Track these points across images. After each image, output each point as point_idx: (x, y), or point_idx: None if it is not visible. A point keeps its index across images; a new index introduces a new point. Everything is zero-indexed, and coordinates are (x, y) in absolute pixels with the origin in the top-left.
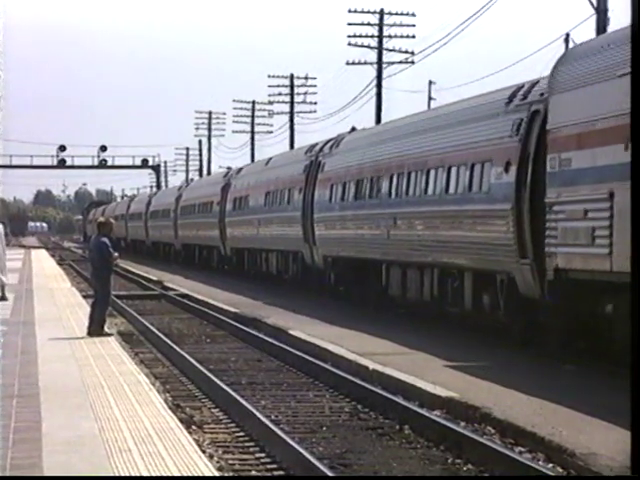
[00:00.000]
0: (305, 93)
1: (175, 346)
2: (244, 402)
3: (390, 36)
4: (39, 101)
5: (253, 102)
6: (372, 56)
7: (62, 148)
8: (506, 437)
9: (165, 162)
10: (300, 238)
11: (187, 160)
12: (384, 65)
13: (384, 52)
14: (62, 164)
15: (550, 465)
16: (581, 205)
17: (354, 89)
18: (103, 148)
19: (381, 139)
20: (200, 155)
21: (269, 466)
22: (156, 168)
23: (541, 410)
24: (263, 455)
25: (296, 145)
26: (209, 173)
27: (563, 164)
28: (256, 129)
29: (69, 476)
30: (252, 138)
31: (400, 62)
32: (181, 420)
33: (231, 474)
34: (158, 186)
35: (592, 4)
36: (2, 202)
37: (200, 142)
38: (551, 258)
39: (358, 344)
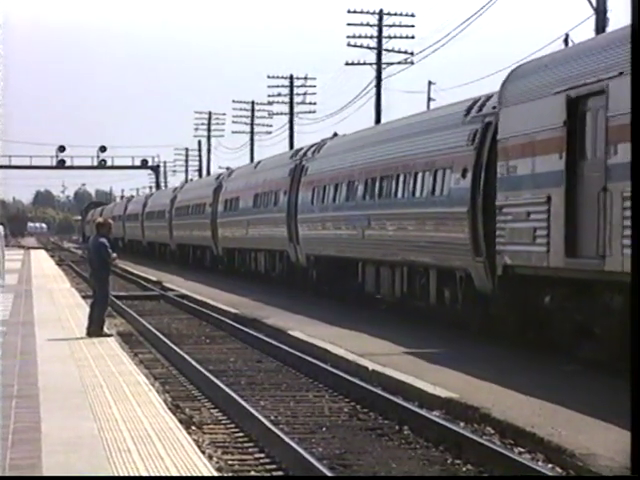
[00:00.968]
0: (304, 93)
1: (174, 346)
2: (243, 402)
3: (389, 37)
4: (39, 101)
5: (252, 102)
6: (371, 57)
7: (61, 149)
8: (506, 437)
9: (165, 162)
10: (285, 238)
11: (187, 160)
12: (383, 66)
13: (383, 53)
14: (61, 164)
15: (550, 465)
16: (524, 208)
17: (353, 89)
18: (102, 148)
19: (357, 145)
20: (199, 155)
21: (268, 466)
22: (155, 169)
23: (540, 410)
24: (262, 455)
25: (295, 145)
26: (209, 173)
27: (510, 171)
28: (255, 129)
29: (69, 476)
30: (251, 138)
31: (399, 63)
32: (180, 420)
33: (230, 474)
34: (157, 186)
35: (591, 4)
36: (1, 203)
37: (199, 142)
38: (500, 256)
39: (358, 344)
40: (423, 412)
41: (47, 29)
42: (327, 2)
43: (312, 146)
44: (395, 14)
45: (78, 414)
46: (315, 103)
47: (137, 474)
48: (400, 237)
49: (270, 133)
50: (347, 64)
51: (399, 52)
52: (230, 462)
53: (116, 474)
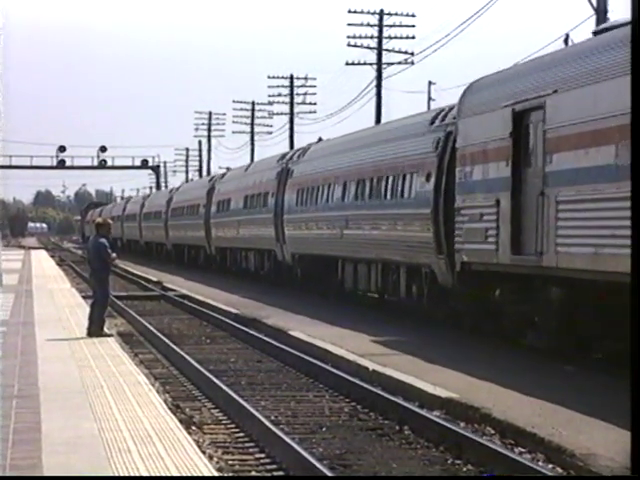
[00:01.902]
0: (305, 94)
1: (175, 347)
2: (244, 403)
3: (390, 37)
4: (39, 101)
5: (253, 103)
6: (372, 57)
7: (62, 149)
8: (506, 438)
9: (165, 163)
10: (273, 238)
11: (187, 161)
12: (384, 66)
13: (384, 53)
14: (62, 165)
15: (550, 466)
16: (478, 210)
17: (354, 90)
18: (103, 149)
19: (336, 150)
20: (200, 156)
21: (269, 466)
22: (156, 169)
23: (541, 410)
24: (263, 455)
25: (296, 145)
26: (209, 173)
27: (466, 176)
28: (256, 130)
29: (69, 476)
30: (252, 139)
31: (400, 63)
32: (181, 421)
33: (231, 474)
34: (158, 187)
35: (592, 4)
36: (2, 203)
37: (200, 143)
38: (459, 253)
39: (358, 345)
40: (423, 412)
41: (47, 29)
42: (327, 2)
43: (298, 150)
44: (395, 14)
45: (78, 414)
46: (315, 103)
47: (137, 474)
48: (374, 236)
49: (270, 133)
50: (347, 64)
51: (399, 52)
52: (230, 462)
53: (116, 474)
